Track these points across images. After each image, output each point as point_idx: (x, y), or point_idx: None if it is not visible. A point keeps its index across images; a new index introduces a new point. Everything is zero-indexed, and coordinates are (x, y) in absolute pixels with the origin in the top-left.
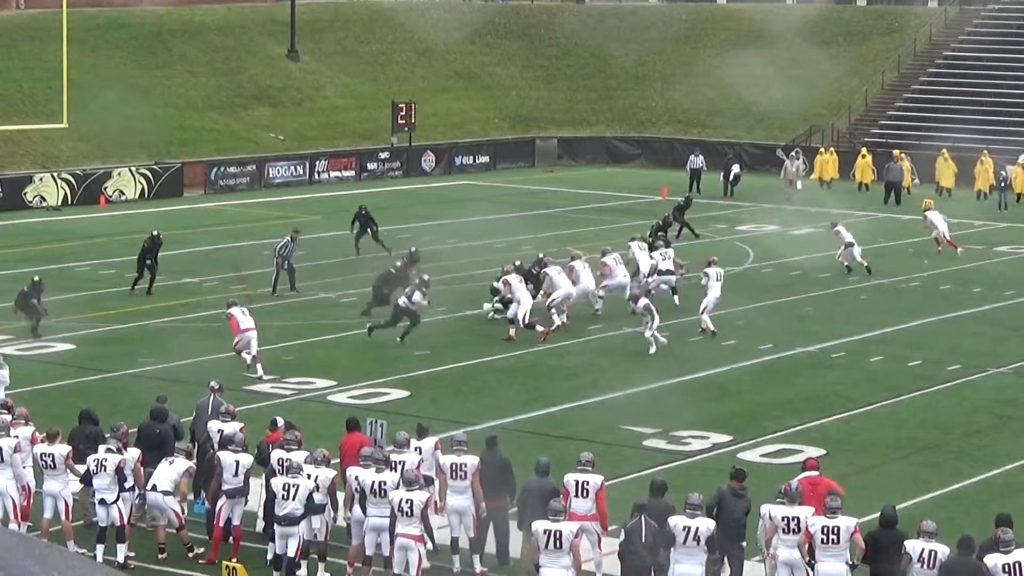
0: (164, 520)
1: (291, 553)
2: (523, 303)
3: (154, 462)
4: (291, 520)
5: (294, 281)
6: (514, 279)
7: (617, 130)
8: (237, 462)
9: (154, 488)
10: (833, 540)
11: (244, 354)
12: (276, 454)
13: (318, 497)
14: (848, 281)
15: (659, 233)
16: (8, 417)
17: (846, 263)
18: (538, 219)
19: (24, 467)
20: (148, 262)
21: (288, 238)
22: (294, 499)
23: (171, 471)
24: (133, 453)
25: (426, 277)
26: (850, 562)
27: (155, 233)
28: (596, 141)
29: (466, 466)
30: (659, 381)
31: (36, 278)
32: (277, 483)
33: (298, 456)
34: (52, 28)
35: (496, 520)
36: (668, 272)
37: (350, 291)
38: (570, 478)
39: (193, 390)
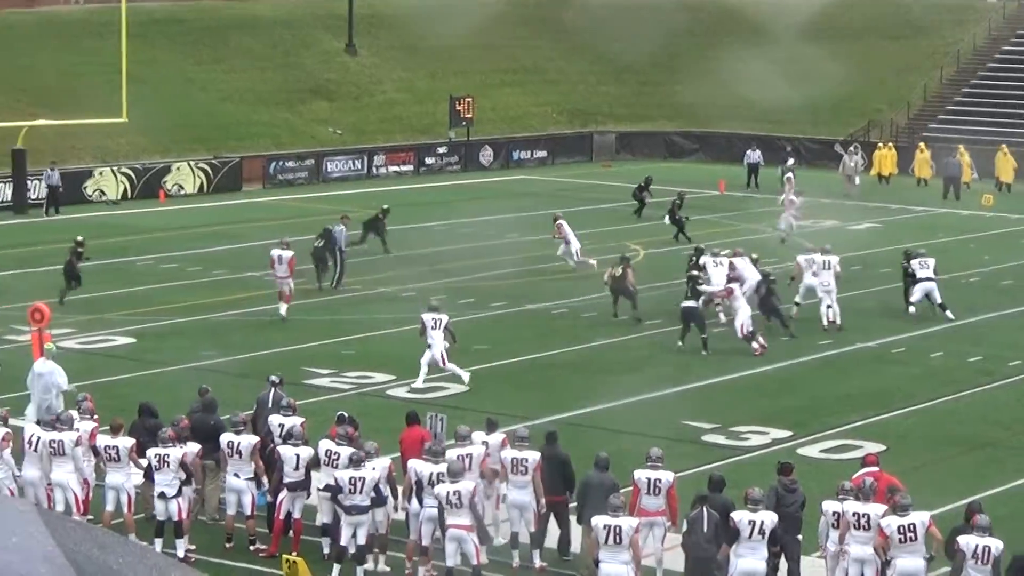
0: (234, 510)
1: (360, 541)
2: (742, 311)
3: (208, 453)
4: (360, 510)
5: (342, 276)
6: (738, 288)
7: (676, 125)
8: (297, 456)
9: (237, 475)
10: (911, 538)
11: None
12: (324, 445)
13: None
14: None
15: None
16: (75, 413)
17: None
18: (595, 214)
19: (85, 461)
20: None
21: (341, 226)
22: (361, 492)
23: (245, 456)
24: (193, 447)
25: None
26: (927, 556)
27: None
28: (654, 136)
29: (527, 461)
30: (718, 376)
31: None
32: (343, 476)
33: (344, 451)
34: (111, 23)
35: (556, 515)
36: (928, 280)
37: (409, 285)
38: (641, 475)
39: (253, 384)
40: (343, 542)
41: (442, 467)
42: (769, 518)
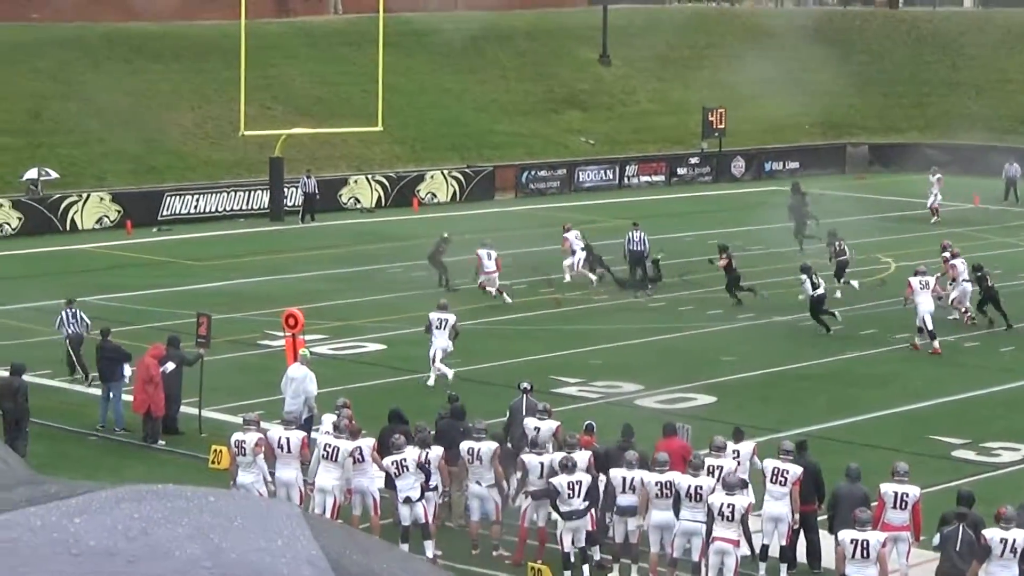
0: (477, 516)
1: (580, 544)
2: (919, 306)
3: (454, 460)
4: (578, 515)
5: (650, 279)
6: (916, 283)
7: (929, 137)
8: (542, 464)
9: (478, 483)
10: None
11: (488, 288)
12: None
13: (628, 499)
14: None
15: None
16: (346, 421)
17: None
18: (846, 226)
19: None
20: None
21: (639, 232)
22: (579, 496)
23: (486, 463)
24: (437, 451)
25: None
26: None
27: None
28: (908, 148)
29: (788, 473)
30: (969, 390)
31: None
32: (562, 481)
33: (580, 458)
34: (368, 33)
35: (805, 524)
36: None
37: (657, 297)
38: (888, 489)
39: (499, 392)
40: (566, 548)
41: (700, 480)
42: (1022, 536)
